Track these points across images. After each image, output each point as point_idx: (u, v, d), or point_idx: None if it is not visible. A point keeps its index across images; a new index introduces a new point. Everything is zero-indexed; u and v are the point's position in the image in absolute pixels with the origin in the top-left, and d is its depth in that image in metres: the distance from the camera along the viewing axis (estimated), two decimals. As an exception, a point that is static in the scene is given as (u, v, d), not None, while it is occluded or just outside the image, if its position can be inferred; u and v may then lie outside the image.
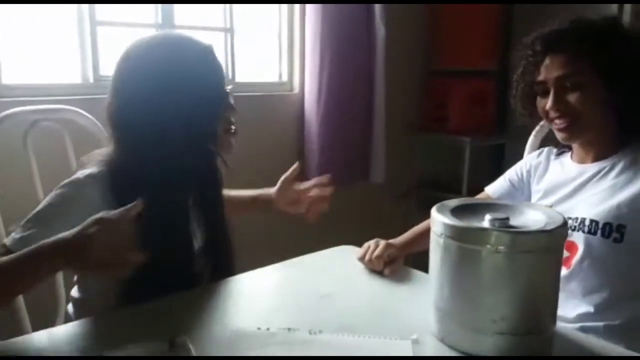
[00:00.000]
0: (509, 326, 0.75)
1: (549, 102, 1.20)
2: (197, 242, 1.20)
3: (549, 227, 0.75)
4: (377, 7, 2.48)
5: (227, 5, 2.36)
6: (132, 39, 1.13)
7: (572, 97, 1.17)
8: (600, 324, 1.12)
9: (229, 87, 1.16)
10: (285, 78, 2.57)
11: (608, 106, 1.17)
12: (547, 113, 1.23)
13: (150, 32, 1.15)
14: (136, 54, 1.10)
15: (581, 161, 1.27)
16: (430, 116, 2.99)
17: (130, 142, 1.09)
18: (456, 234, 0.77)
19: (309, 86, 2.47)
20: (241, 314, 1.04)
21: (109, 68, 2.06)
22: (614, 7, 2.76)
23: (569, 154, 1.32)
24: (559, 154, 1.35)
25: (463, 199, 0.92)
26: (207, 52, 1.12)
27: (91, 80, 2.04)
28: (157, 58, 1.08)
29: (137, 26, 2.16)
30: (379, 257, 1.23)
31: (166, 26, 2.14)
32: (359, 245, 1.35)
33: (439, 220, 0.80)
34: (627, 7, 2.74)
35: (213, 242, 1.23)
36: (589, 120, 1.19)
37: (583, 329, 1.08)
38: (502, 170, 1.53)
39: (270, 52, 2.56)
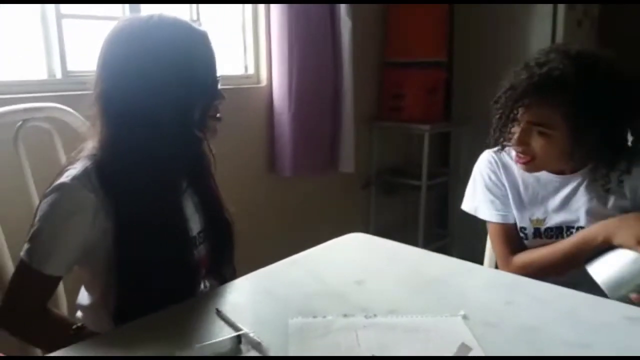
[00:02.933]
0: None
1: (515, 137, 1.27)
2: (196, 227, 1.18)
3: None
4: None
5: (193, -3, 2.30)
6: (104, 30, 1.07)
7: (535, 142, 1.25)
8: None
9: (219, 75, 1.13)
10: (251, 71, 2.55)
11: (569, 152, 1.24)
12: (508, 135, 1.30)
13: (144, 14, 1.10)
14: (131, 34, 1.04)
15: (558, 172, 1.34)
16: (387, 106, 3.08)
17: (122, 125, 1.04)
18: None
19: (277, 79, 2.46)
20: (287, 306, 1.03)
21: (77, 62, 1.97)
22: (548, 8, 2.97)
23: None
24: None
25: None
26: (204, 38, 1.09)
27: (59, 76, 1.93)
28: (155, 40, 1.03)
29: (104, 19, 2.06)
30: None
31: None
32: (338, 233, 1.38)
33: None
34: (561, 7, 2.95)
35: (211, 224, 1.22)
36: (546, 163, 1.29)
37: None
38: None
39: (236, 45, 2.52)
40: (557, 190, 1.34)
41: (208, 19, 2.37)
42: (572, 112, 1.19)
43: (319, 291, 1.08)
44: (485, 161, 1.44)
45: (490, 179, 1.42)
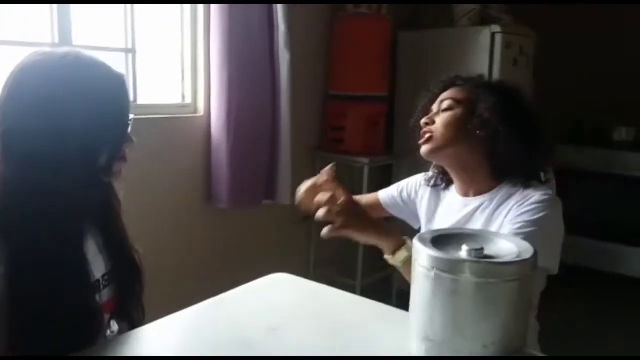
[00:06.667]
0: (499, 349, 0.81)
1: (423, 119, 1.37)
2: (100, 270, 1.12)
3: (527, 256, 0.83)
4: (282, 33, 2.51)
5: (129, 24, 2.26)
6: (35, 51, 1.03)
7: (440, 117, 1.35)
8: None
9: (130, 117, 1.10)
10: (189, 100, 2.51)
11: (469, 140, 1.31)
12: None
13: (58, 48, 1.07)
14: (44, 70, 1.00)
15: (465, 194, 1.39)
16: (328, 138, 3.08)
17: (23, 166, 0.98)
18: (449, 267, 0.81)
19: (216, 109, 2.43)
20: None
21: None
22: (486, 47, 3.08)
23: (454, 187, 1.44)
24: (445, 186, 1.48)
25: (435, 230, 0.98)
26: (119, 82, 1.07)
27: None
28: (69, 80, 0.99)
29: (33, 45, 1.99)
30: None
31: (63, 46, 1.99)
32: (269, 271, 1.35)
33: (429, 254, 0.84)
34: (498, 47, 3.06)
35: (118, 265, 1.17)
36: (442, 139, 1.32)
37: None
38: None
39: (173, 74, 2.48)
40: (459, 211, 1.38)
41: (145, 44, 2.33)
42: (476, 94, 1.33)
43: (229, 340, 1.04)
44: (417, 177, 1.57)
45: (407, 186, 1.58)
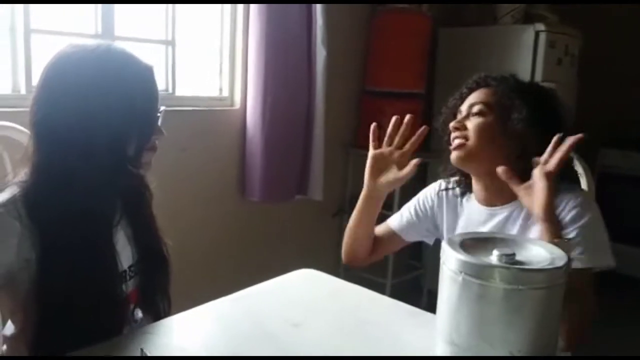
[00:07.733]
0: (526, 357, 0.79)
1: (453, 123, 1.32)
2: (127, 260, 1.14)
3: (559, 263, 0.81)
4: (319, 30, 2.50)
5: (169, 17, 2.29)
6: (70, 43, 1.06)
7: (471, 122, 1.30)
8: None
9: (161, 109, 1.12)
10: (226, 93, 2.52)
11: (501, 149, 1.26)
12: (450, 135, 1.33)
13: (92, 41, 1.09)
14: (76, 61, 1.03)
15: (490, 204, 1.33)
16: (363, 134, 3.06)
17: (55, 153, 1.01)
18: (477, 272, 0.80)
19: (252, 103, 2.44)
20: (216, 349, 1.00)
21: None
22: (529, 45, 3.00)
23: (473, 195, 1.38)
24: (462, 194, 1.41)
25: (466, 233, 0.96)
26: (148, 74, 1.09)
27: (23, 91, 1.90)
28: (99, 70, 1.02)
29: (75, 36, 2.03)
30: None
31: (106, 37, 2.03)
32: (299, 266, 1.36)
33: (458, 257, 0.82)
34: (542, 46, 2.98)
35: (145, 257, 1.18)
36: (477, 147, 1.27)
37: None
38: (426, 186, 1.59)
39: (211, 67, 2.50)
40: (486, 221, 1.33)
41: (184, 39, 2.36)
42: (509, 100, 1.28)
43: (254, 333, 1.05)
44: (430, 187, 1.50)
45: (420, 200, 1.50)
